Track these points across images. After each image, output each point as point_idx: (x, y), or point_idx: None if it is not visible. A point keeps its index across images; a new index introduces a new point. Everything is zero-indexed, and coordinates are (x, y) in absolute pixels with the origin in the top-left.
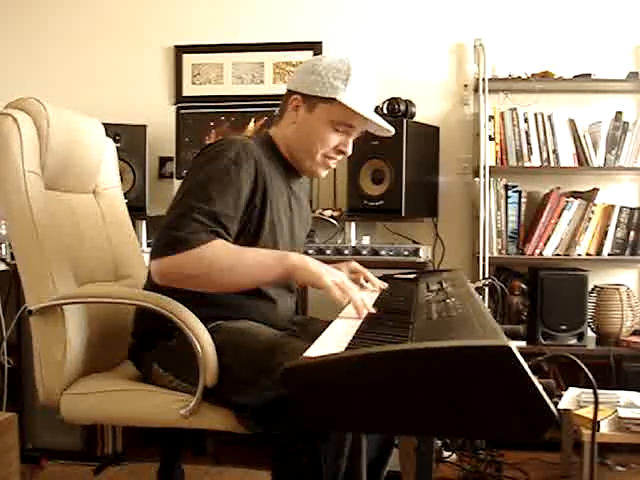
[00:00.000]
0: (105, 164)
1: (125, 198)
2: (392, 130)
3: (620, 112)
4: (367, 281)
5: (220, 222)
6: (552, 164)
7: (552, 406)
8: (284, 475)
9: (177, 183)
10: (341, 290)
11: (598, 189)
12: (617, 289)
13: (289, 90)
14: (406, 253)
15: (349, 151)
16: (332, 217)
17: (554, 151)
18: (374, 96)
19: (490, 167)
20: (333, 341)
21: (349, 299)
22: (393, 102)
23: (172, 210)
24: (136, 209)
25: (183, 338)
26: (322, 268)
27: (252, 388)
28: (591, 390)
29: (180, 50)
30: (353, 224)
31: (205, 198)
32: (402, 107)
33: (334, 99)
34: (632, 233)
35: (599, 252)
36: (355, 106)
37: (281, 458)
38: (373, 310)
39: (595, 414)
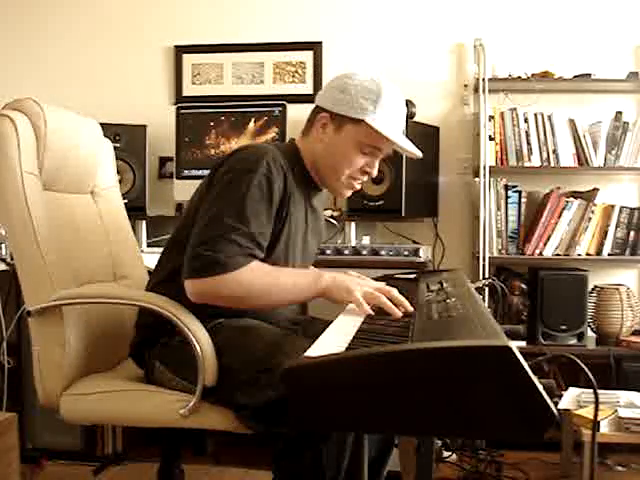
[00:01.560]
0: (103, 164)
1: (125, 198)
2: (419, 154)
3: (620, 112)
4: None
5: (257, 242)
6: (552, 164)
7: (552, 406)
8: (286, 475)
9: (177, 183)
10: (372, 298)
11: (598, 189)
12: (617, 289)
13: (317, 106)
14: (406, 253)
15: (374, 173)
16: (332, 217)
17: (554, 151)
18: (403, 118)
19: (490, 167)
20: (333, 341)
21: (382, 305)
22: None
23: (206, 227)
24: (136, 209)
25: (184, 337)
26: (351, 283)
27: (253, 388)
28: (591, 390)
29: (180, 50)
30: (353, 224)
31: (242, 218)
32: None
33: (362, 120)
34: (632, 233)
35: (599, 252)
36: (383, 129)
37: (283, 458)
38: (411, 308)
39: (595, 414)
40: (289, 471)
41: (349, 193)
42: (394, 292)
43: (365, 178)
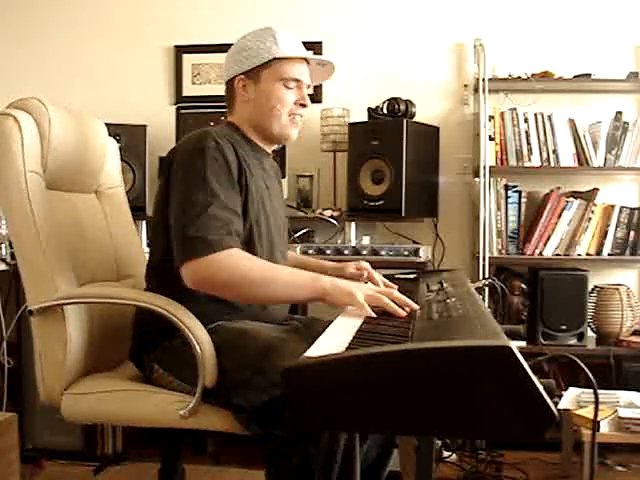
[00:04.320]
0: (107, 164)
1: None
2: (333, 63)
3: (620, 112)
4: (370, 280)
5: (232, 210)
6: (552, 164)
7: (552, 406)
8: (276, 476)
9: None
10: (374, 300)
11: (598, 189)
12: (617, 289)
13: (229, 80)
14: (406, 253)
15: (309, 102)
16: (332, 217)
17: (554, 151)
18: (302, 45)
19: (490, 167)
20: (333, 341)
21: (385, 306)
22: (393, 102)
23: (183, 212)
24: (136, 209)
25: (183, 338)
26: (352, 287)
27: (246, 389)
28: (591, 390)
29: (180, 50)
30: (353, 224)
31: (210, 192)
32: (402, 107)
33: (272, 60)
34: (632, 233)
35: (599, 252)
36: (293, 53)
37: (273, 459)
38: (416, 306)
39: (595, 414)
40: (279, 472)
41: (296, 132)
42: (395, 292)
43: (302, 110)
